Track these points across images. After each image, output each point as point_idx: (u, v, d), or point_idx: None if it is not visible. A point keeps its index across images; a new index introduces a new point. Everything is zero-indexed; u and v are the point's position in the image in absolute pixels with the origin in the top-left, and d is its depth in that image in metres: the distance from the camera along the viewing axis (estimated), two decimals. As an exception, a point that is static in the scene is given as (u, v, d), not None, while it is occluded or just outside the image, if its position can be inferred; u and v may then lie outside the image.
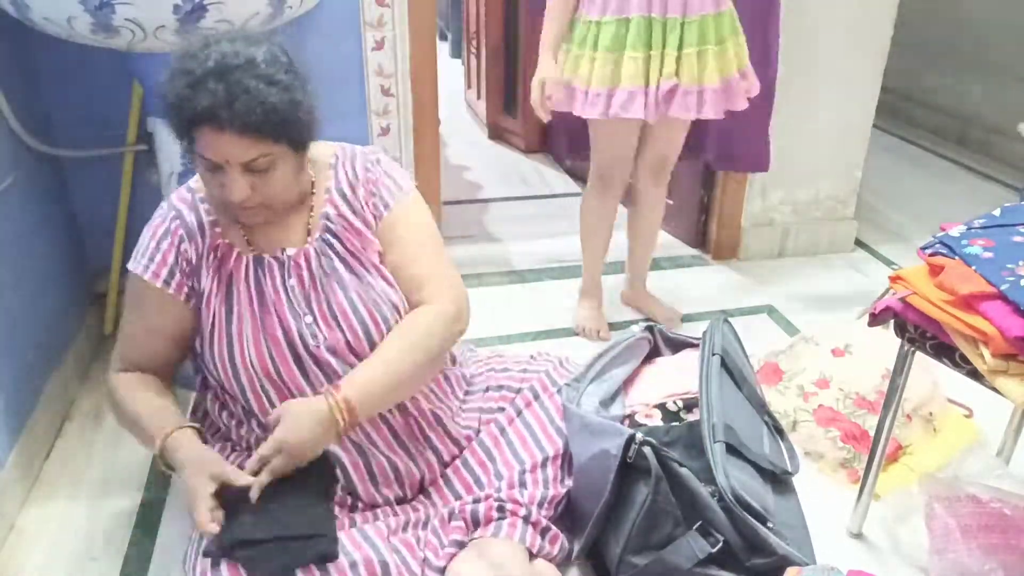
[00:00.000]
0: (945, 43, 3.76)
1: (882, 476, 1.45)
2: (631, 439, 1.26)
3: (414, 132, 2.24)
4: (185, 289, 1.27)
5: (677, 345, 1.66)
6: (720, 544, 1.23)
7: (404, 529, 1.26)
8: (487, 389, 1.49)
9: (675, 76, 1.75)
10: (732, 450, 1.32)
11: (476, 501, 1.30)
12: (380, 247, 1.33)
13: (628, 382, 1.56)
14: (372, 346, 1.27)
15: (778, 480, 1.39)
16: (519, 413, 1.44)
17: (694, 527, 1.25)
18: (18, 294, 1.64)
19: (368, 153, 1.38)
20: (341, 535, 1.17)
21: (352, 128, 2.12)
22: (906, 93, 3.92)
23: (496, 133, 3.75)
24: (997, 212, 1.36)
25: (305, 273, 1.28)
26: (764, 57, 2.16)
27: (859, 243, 2.73)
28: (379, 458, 1.30)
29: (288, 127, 1.15)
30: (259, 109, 1.10)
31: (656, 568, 1.25)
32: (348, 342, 1.27)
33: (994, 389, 1.13)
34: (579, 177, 3.24)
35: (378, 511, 1.29)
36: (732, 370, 1.49)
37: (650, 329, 1.64)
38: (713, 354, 1.49)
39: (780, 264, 2.60)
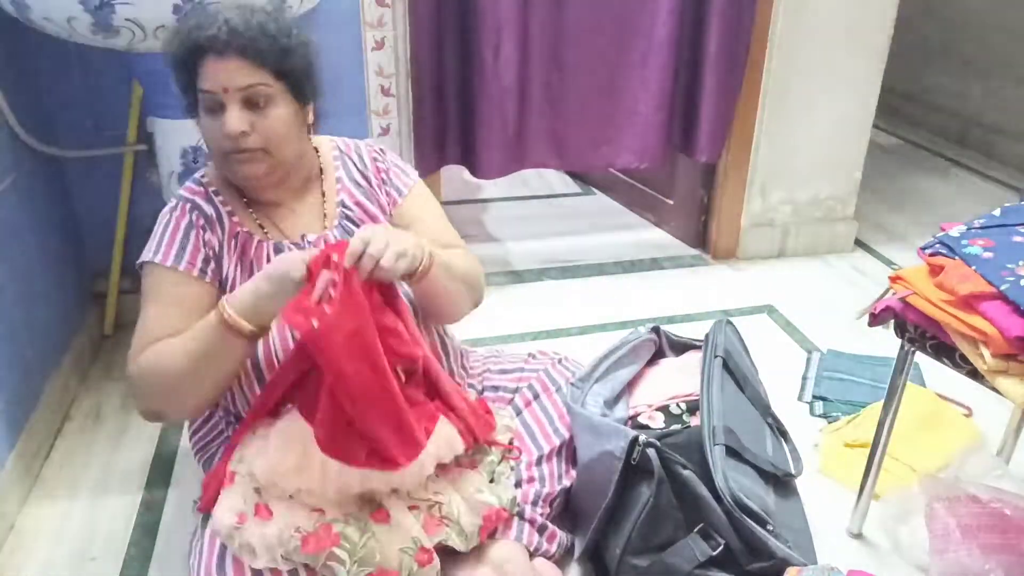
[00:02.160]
0: (945, 43, 3.76)
1: (882, 476, 1.45)
2: (635, 440, 1.26)
3: (414, 132, 2.24)
4: (219, 277, 1.25)
5: (681, 347, 1.66)
6: (721, 547, 1.23)
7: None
8: (483, 390, 1.49)
9: None
10: (733, 452, 1.32)
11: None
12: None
13: (632, 383, 1.56)
14: None
15: (780, 482, 1.38)
16: (518, 413, 1.44)
17: (695, 529, 1.25)
18: (18, 294, 1.64)
19: (372, 145, 1.42)
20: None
21: (352, 128, 2.12)
22: (906, 93, 3.92)
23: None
24: (997, 212, 1.36)
25: None
26: (735, 45, 2.24)
27: (859, 243, 2.73)
28: None
29: (287, 57, 1.18)
30: (259, 33, 1.15)
31: (657, 570, 1.24)
32: None
33: (994, 389, 1.13)
34: (579, 177, 3.24)
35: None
36: (735, 372, 1.49)
37: (656, 330, 1.64)
38: (715, 356, 1.48)
39: (780, 264, 2.60)
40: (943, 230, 1.32)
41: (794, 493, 1.43)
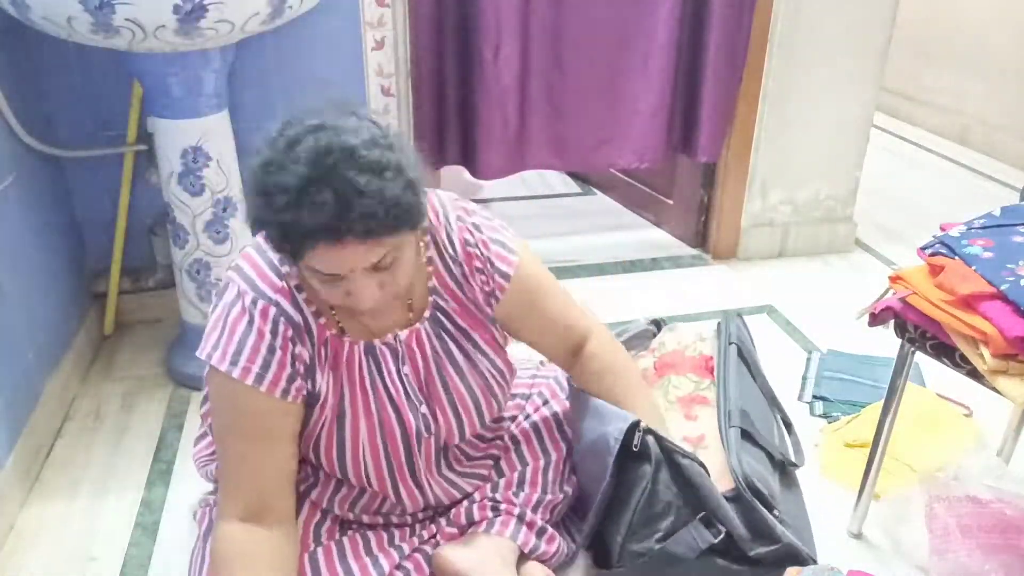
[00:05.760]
0: (945, 43, 3.76)
1: (882, 476, 1.45)
2: (635, 425, 1.26)
3: (414, 132, 2.24)
4: (304, 393, 1.11)
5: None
6: (722, 535, 1.23)
7: (415, 552, 1.25)
8: None
9: None
10: (746, 436, 1.34)
11: (471, 503, 1.30)
12: (500, 324, 1.24)
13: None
14: (482, 423, 1.26)
15: (785, 472, 1.40)
16: (527, 417, 1.44)
17: (697, 517, 1.25)
18: (18, 294, 1.64)
19: (463, 215, 1.21)
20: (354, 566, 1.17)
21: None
22: (906, 93, 3.92)
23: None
24: (997, 212, 1.36)
25: (419, 358, 1.18)
26: (735, 45, 2.25)
27: (859, 243, 2.73)
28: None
29: (409, 215, 0.99)
30: (379, 209, 0.93)
31: (659, 558, 1.25)
32: (460, 428, 1.23)
33: (994, 389, 1.13)
34: (579, 177, 3.24)
35: (392, 531, 1.28)
36: (748, 360, 1.50)
37: (655, 322, 1.65)
38: (730, 343, 1.50)
39: (780, 264, 2.60)
40: (943, 230, 1.32)
41: (796, 486, 1.44)
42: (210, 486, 1.40)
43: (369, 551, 1.22)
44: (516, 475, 1.34)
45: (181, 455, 1.68)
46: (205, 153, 1.70)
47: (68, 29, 1.42)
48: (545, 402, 1.46)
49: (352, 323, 1.15)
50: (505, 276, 1.20)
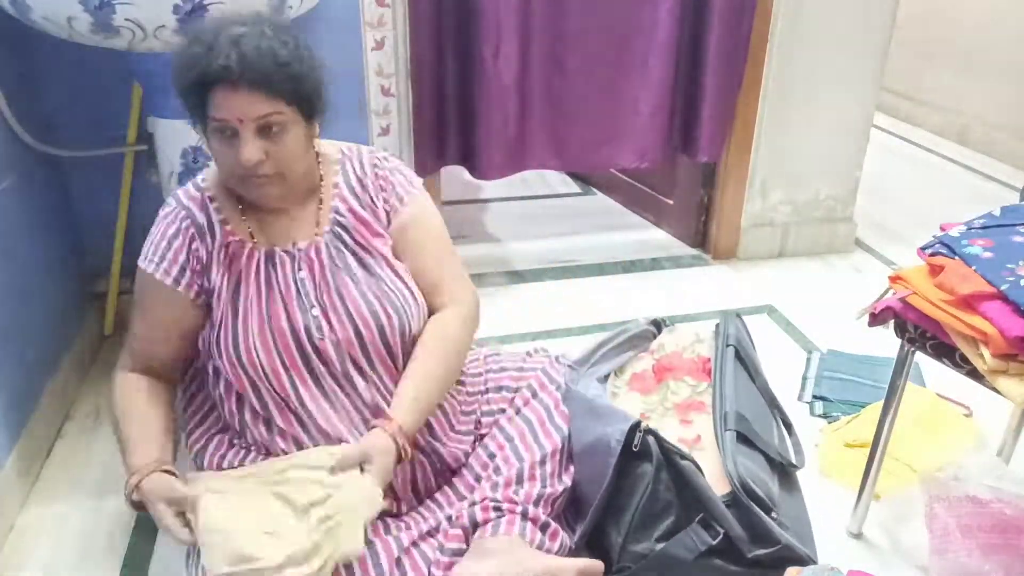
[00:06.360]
0: (945, 43, 3.76)
1: (882, 476, 1.45)
2: (636, 426, 1.26)
3: (414, 132, 2.24)
4: (195, 287, 1.28)
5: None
6: (720, 536, 1.23)
7: (413, 546, 1.24)
8: (486, 391, 1.49)
9: None
10: (743, 439, 1.34)
11: (472, 505, 1.30)
12: (392, 242, 1.35)
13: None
14: (384, 339, 1.28)
15: (785, 474, 1.40)
16: (518, 412, 1.44)
17: (696, 519, 1.25)
18: (18, 294, 1.64)
19: (375, 151, 1.41)
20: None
21: (352, 128, 2.11)
22: (906, 93, 3.92)
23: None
24: (997, 212, 1.36)
25: (316, 265, 1.29)
26: (735, 45, 2.26)
27: (859, 243, 2.73)
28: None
29: (299, 84, 1.18)
30: (271, 63, 1.14)
31: (658, 560, 1.25)
32: (359, 335, 1.27)
33: (994, 389, 1.13)
34: (579, 177, 3.24)
35: (388, 523, 1.28)
36: (746, 362, 1.50)
37: (655, 323, 1.65)
38: (728, 345, 1.50)
39: (780, 264, 2.60)
40: (943, 230, 1.32)
41: (796, 486, 1.44)
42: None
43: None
44: (514, 472, 1.34)
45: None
46: (205, 153, 1.70)
47: (68, 29, 1.42)
48: (534, 394, 1.46)
49: (261, 231, 1.30)
50: (400, 199, 1.36)
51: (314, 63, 1.22)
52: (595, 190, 3.15)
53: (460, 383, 1.44)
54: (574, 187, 3.20)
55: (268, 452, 1.29)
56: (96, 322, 2.07)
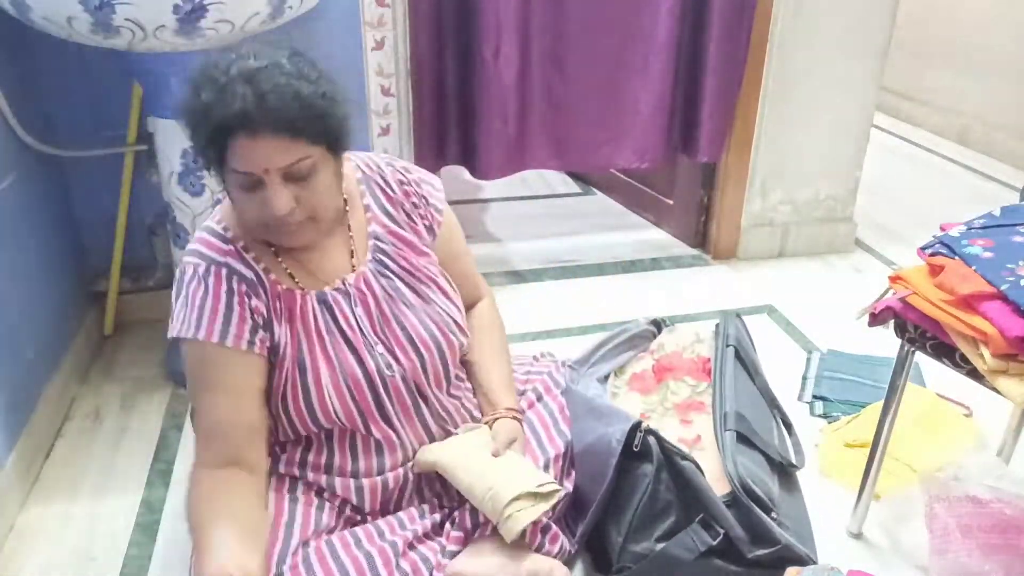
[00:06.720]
0: (945, 43, 3.76)
1: (882, 476, 1.45)
2: (636, 426, 1.26)
3: (414, 132, 2.24)
4: (267, 346, 1.17)
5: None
6: (720, 537, 1.24)
7: (411, 548, 1.24)
8: None
9: None
10: (743, 439, 1.34)
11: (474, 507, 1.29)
12: (438, 257, 1.33)
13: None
14: (443, 360, 1.28)
15: (785, 473, 1.40)
16: (522, 414, 1.44)
17: (696, 519, 1.25)
18: (18, 294, 1.64)
19: (392, 161, 1.34)
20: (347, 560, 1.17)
21: (352, 128, 2.11)
22: (906, 93, 3.92)
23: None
24: (997, 212, 1.36)
25: (370, 299, 1.23)
26: (735, 45, 2.26)
27: (859, 243, 2.73)
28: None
29: (325, 123, 1.08)
30: (294, 104, 1.03)
31: (659, 561, 1.25)
32: (423, 362, 1.25)
33: (994, 389, 1.13)
34: (579, 177, 3.24)
35: (390, 521, 1.27)
36: (746, 362, 1.50)
37: (655, 322, 1.66)
38: (727, 345, 1.50)
39: (780, 264, 2.60)
40: (943, 230, 1.32)
41: (796, 488, 1.44)
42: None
43: (360, 545, 1.20)
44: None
45: (181, 455, 1.68)
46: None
47: (68, 29, 1.42)
48: (539, 398, 1.46)
49: (301, 272, 1.21)
50: (438, 210, 1.33)
51: (337, 94, 1.11)
52: (595, 190, 3.15)
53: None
54: (574, 187, 3.20)
55: (322, 490, 1.26)
56: (96, 322, 2.07)
